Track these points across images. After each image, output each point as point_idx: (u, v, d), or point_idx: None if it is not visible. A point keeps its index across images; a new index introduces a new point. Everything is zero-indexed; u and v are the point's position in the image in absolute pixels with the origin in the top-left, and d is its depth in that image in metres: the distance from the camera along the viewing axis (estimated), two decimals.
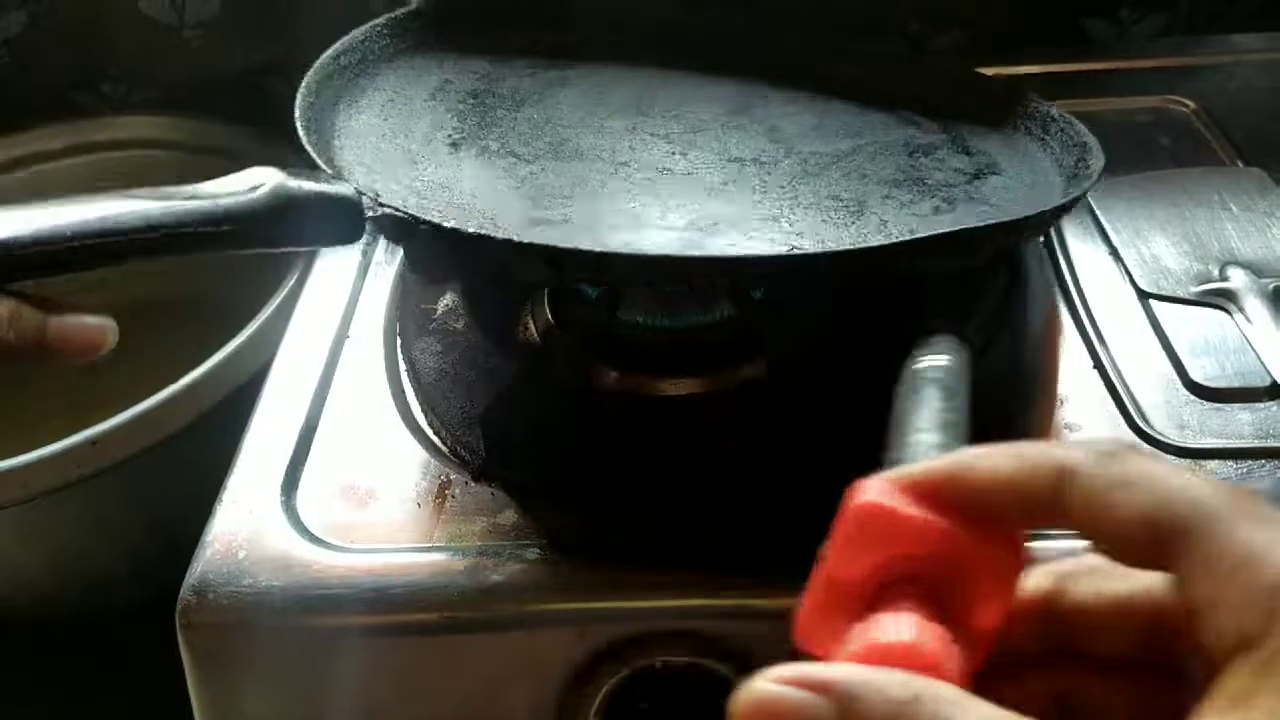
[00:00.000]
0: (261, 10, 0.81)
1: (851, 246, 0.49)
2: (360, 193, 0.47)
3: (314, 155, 0.50)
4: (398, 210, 0.47)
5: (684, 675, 0.46)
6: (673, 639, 0.46)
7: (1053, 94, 0.60)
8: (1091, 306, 0.56)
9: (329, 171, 0.49)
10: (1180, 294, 0.56)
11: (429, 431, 0.53)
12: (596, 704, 0.46)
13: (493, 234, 0.46)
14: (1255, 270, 0.56)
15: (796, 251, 0.48)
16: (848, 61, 0.65)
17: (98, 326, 0.41)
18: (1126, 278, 0.57)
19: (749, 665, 0.45)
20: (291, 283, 0.67)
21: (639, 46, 0.65)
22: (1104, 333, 0.54)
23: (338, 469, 0.52)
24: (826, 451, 0.48)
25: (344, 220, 0.46)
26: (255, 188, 0.43)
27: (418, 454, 0.52)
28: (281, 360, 0.58)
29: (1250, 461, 0.48)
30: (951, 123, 0.59)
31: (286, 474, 0.51)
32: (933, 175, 0.55)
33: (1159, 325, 0.54)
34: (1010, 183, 0.55)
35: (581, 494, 0.49)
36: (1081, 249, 0.60)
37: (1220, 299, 0.55)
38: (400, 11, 0.63)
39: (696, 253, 0.49)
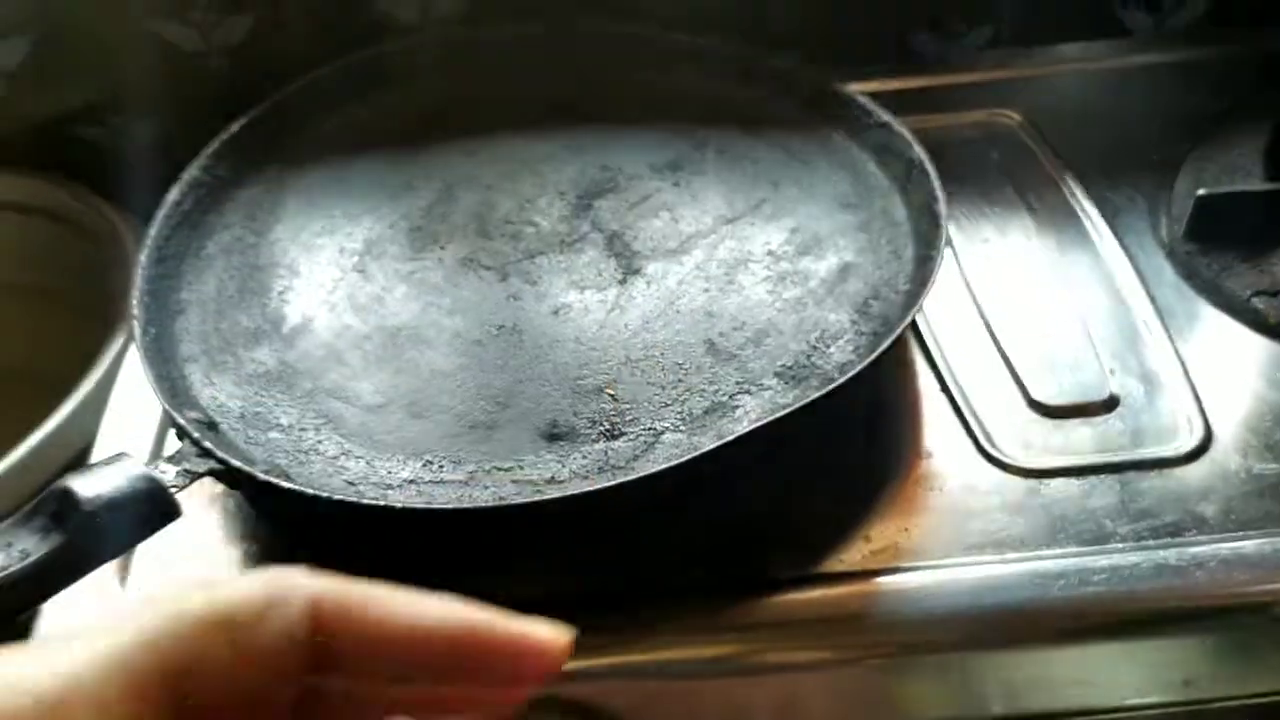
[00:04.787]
0: (71, 55, 0.76)
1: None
2: (187, 434, 0.45)
3: (150, 379, 0.49)
4: (225, 467, 0.45)
5: None
6: (537, 706, 0.44)
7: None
8: (935, 328, 0.56)
9: (159, 398, 0.48)
10: None
11: (271, 506, 0.50)
12: None
13: (357, 499, 0.45)
14: None
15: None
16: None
17: None
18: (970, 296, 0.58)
19: None
20: (116, 348, 0.63)
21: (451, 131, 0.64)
22: (948, 355, 0.55)
23: (173, 551, 0.49)
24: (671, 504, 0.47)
25: (155, 509, 0.42)
26: (47, 528, 0.40)
27: (259, 531, 0.50)
28: (106, 435, 0.55)
29: (1091, 478, 0.49)
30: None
31: (117, 570, 0.48)
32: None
33: (1000, 344, 0.55)
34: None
35: (431, 563, 0.48)
36: None
37: None
38: (226, 134, 0.61)
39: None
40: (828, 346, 0.50)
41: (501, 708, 0.27)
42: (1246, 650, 0.45)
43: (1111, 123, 0.69)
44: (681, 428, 0.47)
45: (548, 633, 0.27)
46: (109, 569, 0.47)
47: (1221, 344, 0.55)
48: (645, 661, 0.45)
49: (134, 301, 0.53)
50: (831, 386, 0.45)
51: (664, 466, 0.43)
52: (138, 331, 0.51)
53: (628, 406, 0.48)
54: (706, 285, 0.54)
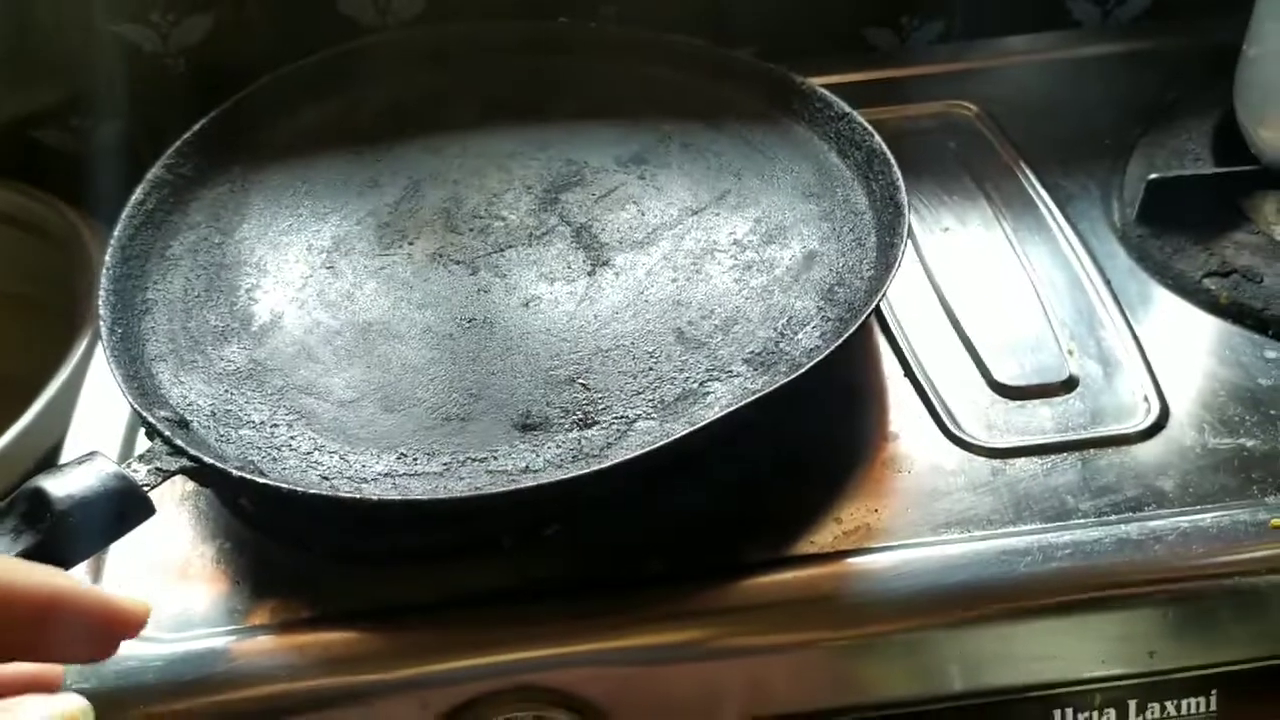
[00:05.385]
0: (29, 59, 0.75)
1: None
2: (158, 432, 0.45)
3: (118, 378, 0.49)
4: (198, 465, 0.44)
5: None
6: (515, 695, 0.45)
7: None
8: (898, 314, 0.57)
9: (128, 397, 0.47)
10: None
11: (244, 503, 0.50)
12: None
13: (334, 493, 0.45)
14: None
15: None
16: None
17: None
18: (930, 282, 0.59)
19: (595, 712, 0.45)
20: (81, 351, 0.63)
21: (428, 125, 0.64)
22: (912, 340, 0.56)
23: (145, 551, 0.49)
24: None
25: (128, 508, 0.42)
26: (19, 530, 0.39)
27: (232, 528, 0.50)
28: (75, 437, 0.55)
29: (1054, 456, 0.50)
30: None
31: (89, 570, 0.48)
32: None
33: (961, 329, 0.56)
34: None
35: (407, 555, 0.48)
36: None
37: None
38: (189, 134, 0.61)
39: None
40: (795, 333, 0.51)
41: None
42: (1207, 621, 0.46)
43: (1064, 112, 0.70)
44: (653, 415, 0.48)
45: (130, 601, 0.33)
46: (81, 570, 0.48)
47: (1175, 324, 0.56)
48: (621, 648, 0.45)
49: (99, 301, 0.52)
50: (801, 371, 0.46)
51: (639, 453, 0.44)
52: (104, 331, 0.51)
53: (600, 395, 0.49)
54: (674, 275, 0.54)
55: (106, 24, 0.73)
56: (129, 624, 0.33)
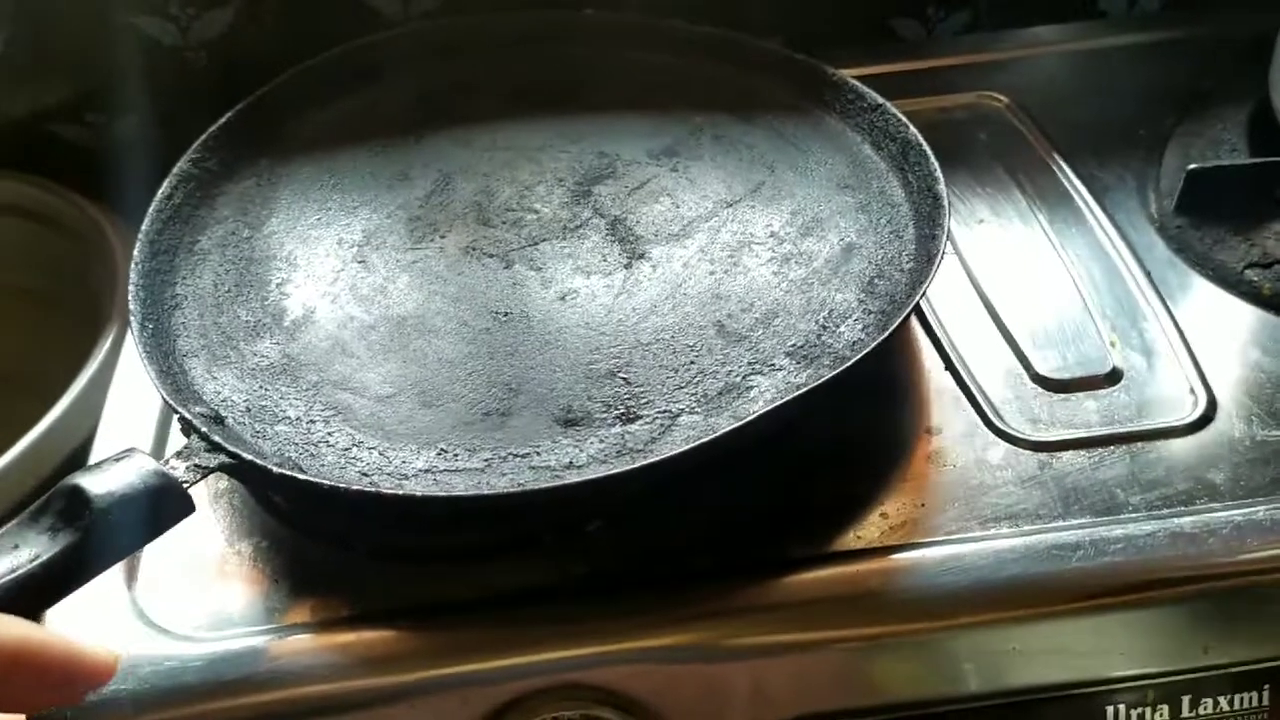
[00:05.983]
0: (47, 52, 0.74)
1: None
2: (195, 428, 0.44)
3: (151, 374, 0.48)
4: (237, 461, 0.44)
5: None
6: (560, 693, 0.44)
7: None
8: (936, 307, 0.56)
9: (162, 393, 0.46)
10: None
11: (278, 500, 0.50)
12: None
13: (376, 489, 0.44)
14: None
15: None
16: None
17: None
18: (968, 275, 0.58)
19: (642, 709, 0.44)
20: (106, 347, 0.62)
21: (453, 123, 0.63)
22: (951, 333, 0.55)
23: (180, 550, 0.48)
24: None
25: (168, 505, 0.41)
26: (56, 528, 0.39)
27: (268, 526, 0.49)
28: (105, 435, 0.54)
29: (1100, 449, 0.49)
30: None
31: (124, 572, 0.47)
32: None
33: (1001, 321, 0.55)
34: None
35: (448, 552, 0.47)
36: None
37: None
38: (215, 127, 0.60)
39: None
40: (837, 325, 0.50)
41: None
42: (1261, 615, 0.46)
43: (1096, 102, 0.69)
44: (697, 409, 0.47)
45: (98, 652, 0.33)
46: (116, 570, 0.47)
47: (1217, 315, 0.55)
48: (666, 645, 0.44)
49: (129, 296, 0.52)
50: (848, 364, 0.45)
51: (686, 448, 0.43)
52: (135, 327, 0.50)
53: (641, 389, 0.48)
54: (712, 268, 0.54)
55: (125, 17, 0.72)
56: (95, 675, 0.34)
